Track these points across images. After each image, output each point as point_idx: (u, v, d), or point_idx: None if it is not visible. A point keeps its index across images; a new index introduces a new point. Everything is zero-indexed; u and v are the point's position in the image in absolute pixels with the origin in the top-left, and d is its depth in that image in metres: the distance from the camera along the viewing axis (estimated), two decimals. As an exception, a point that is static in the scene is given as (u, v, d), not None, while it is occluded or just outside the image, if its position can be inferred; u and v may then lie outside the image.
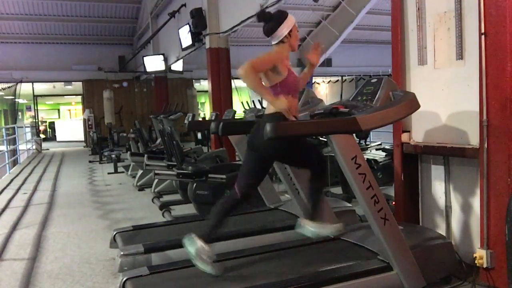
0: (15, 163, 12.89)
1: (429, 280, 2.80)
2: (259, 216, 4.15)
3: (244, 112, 9.42)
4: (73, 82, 18.06)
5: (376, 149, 7.10)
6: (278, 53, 2.88)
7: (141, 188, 7.23)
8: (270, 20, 2.88)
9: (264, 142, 2.67)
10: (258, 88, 2.70)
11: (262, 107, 7.53)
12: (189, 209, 5.27)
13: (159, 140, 8.06)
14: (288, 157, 3.03)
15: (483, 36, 2.83)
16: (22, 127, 16.71)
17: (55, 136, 22.34)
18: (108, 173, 9.47)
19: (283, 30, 2.86)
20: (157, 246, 3.36)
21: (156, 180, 6.52)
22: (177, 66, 13.27)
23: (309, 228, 3.01)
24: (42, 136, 20.97)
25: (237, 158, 7.13)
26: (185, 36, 9.63)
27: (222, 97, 8.65)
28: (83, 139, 18.44)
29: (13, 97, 18.18)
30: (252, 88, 2.69)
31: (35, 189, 7.89)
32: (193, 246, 2.80)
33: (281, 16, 2.88)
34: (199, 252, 2.78)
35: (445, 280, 2.98)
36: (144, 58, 13.67)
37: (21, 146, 14.36)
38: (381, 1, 12.29)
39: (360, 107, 2.80)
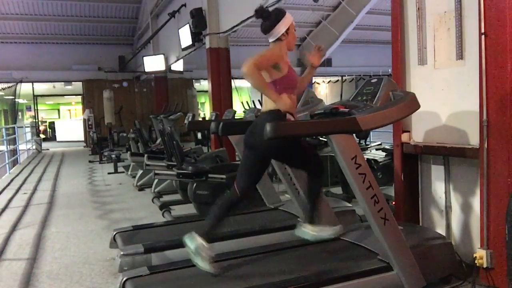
0: (15, 163, 12.88)
1: (429, 280, 2.80)
2: (259, 216, 4.14)
3: (244, 112, 9.43)
4: (73, 82, 18.07)
5: (376, 149, 7.09)
6: (279, 50, 2.88)
7: (141, 188, 7.23)
8: (268, 18, 2.88)
9: (262, 141, 2.66)
10: (261, 86, 2.70)
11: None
12: (189, 209, 5.27)
13: (159, 140, 8.05)
14: (285, 156, 3.03)
15: (483, 36, 2.83)
16: (22, 127, 16.69)
17: (55, 136, 22.33)
18: (108, 173, 9.46)
19: (281, 28, 2.87)
20: (157, 246, 3.36)
21: (156, 180, 6.52)
22: (177, 66, 13.26)
23: (308, 232, 3.04)
24: (42, 136, 20.96)
25: (237, 158, 7.12)
26: (185, 36, 9.63)
27: (222, 97, 8.65)
28: (83, 139, 18.43)
29: (13, 97, 18.17)
30: (256, 87, 2.69)
31: (35, 189, 7.88)
32: (193, 243, 2.80)
33: (279, 14, 2.89)
34: (199, 249, 2.78)
35: (445, 280, 2.98)
36: (144, 58, 13.67)
37: (21, 146, 14.35)
38: (381, 1, 12.30)
39: (360, 107, 2.80)
